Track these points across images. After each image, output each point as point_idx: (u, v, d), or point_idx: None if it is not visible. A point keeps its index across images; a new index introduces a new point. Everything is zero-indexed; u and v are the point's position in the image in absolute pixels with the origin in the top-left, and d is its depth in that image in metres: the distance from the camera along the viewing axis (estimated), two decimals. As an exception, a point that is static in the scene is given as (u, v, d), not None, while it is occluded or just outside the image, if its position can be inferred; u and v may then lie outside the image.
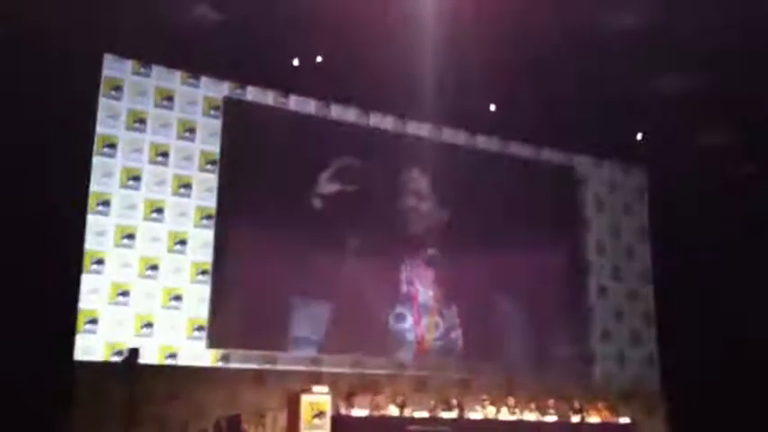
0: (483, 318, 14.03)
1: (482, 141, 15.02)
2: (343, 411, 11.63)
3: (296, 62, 12.42)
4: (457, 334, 13.83)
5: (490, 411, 12.74)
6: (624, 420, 13.64)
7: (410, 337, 13.47)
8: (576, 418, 13.27)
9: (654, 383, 15.33)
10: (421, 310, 13.66)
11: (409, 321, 13.53)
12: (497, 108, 13.87)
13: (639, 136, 14.81)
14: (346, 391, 11.96)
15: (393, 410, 12.07)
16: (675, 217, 15.11)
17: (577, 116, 13.72)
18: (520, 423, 12.77)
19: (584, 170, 16.01)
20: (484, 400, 12.88)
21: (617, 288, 15.68)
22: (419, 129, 14.42)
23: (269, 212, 12.39)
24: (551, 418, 13.07)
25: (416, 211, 14.09)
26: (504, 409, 12.87)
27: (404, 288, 13.65)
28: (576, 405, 13.44)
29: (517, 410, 12.93)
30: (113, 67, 11.96)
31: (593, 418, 13.37)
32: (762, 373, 13.65)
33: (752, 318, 14.04)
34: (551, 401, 13.32)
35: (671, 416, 14.77)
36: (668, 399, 14.97)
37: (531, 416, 12.99)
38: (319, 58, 12.36)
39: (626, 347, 15.40)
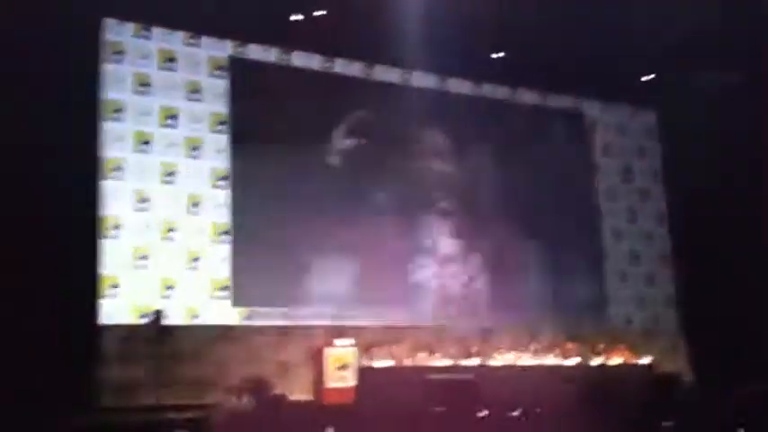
0: (502, 267, 14.06)
1: (488, 90, 14.86)
2: (365, 363, 11.69)
3: (296, 17, 12.26)
4: (478, 283, 13.89)
5: (510, 358, 12.81)
6: (645, 360, 13.72)
7: (432, 287, 13.49)
8: (597, 361, 13.34)
9: (672, 323, 15.38)
10: (442, 261, 13.68)
11: (431, 272, 13.54)
12: (503, 55, 13.72)
13: (647, 78, 14.69)
14: (366, 343, 12.03)
15: (414, 360, 12.15)
16: (687, 157, 15.05)
17: (584, 60, 13.60)
18: (541, 367, 12.83)
19: (592, 114, 15.91)
20: (503, 347, 12.94)
21: (632, 231, 15.65)
22: (425, 80, 14.25)
23: (284, 170, 12.35)
24: (573, 362, 13.13)
25: (432, 162, 14.03)
26: (524, 356, 12.93)
27: (424, 240, 13.66)
28: (597, 348, 13.50)
29: (539, 356, 12.99)
30: (114, 31, 11.81)
31: (615, 360, 13.44)
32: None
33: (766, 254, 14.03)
34: (572, 345, 13.37)
35: (691, 354, 14.84)
36: (687, 337, 15.02)
37: (552, 360, 13.05)
38: (319, 12, 12.20)
39: (643, 289, 15.45)
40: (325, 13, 12.34)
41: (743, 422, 9.50)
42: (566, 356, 13.20)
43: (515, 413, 11.21)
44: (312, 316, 12.29)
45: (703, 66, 13.99)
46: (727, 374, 12.62)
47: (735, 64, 13.76)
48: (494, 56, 13.90)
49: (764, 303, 13.76)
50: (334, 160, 13.10)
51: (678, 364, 14.64)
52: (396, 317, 12.93)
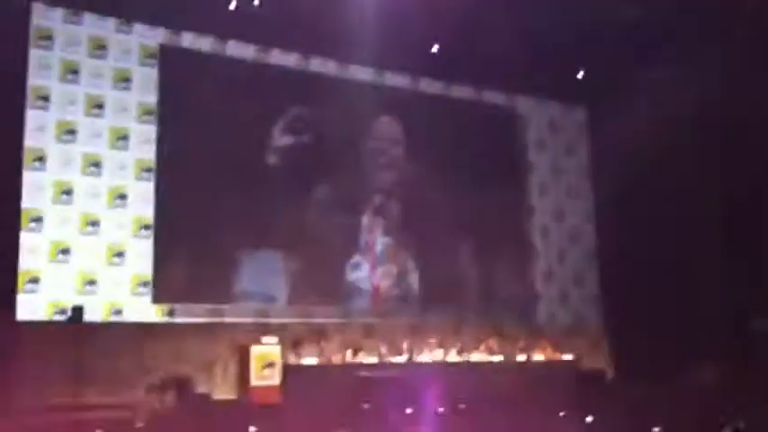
0: (434, 263, 14.14)
1: (425, 84, 14.86)
2: (292, 361, 11.69)
3: (232, 5, 12.07)
4: (408, 280, 13.97)
5: (438, 354, 12.95)
6: (567, 357, 14.03)
7: (362, 284, 13.52)
8: (521, 357, 13.59)
9: (596, 321, 15.73)
10: (372, 257, 13.69)
11: (365, 270, 13.55)
12: (439, 49, 13.72)
13: (580, 74, 14.85)
14: (292, 340, 12.00)
15: (342, 358, 12.21)
16: (616, 154, 15.27)
17: (517, 56, 13.64)
18: (467, 364, 13.03)
19: (525, 111, 16.05)
20: (431, 342, 13.08)
21: (560, 228, 15.91)
22: (362, 73, 14.18)
23: (214, 164, 12.17)
24: (497, 358, 13.36)
25: (366, 159, 14.00)
26: (452, 351, 13.10)
27: (355, 236, 13.65)
28: (521, 344, 13.75)
29: (465, 352, 13.17)
30: (43, 16, 11.45)
31: (538, 356, 13.72)
32: (700, 306, 14.07)
33: (693, 252, 14.36)
34: (495, 342, 13.59)
35: (613, 350, 15.21)
36: (610, 334, 15.39)
37: (478, 356, 13.26)
38: (256, 1, 12.04)
39: (569, 286, 15.73)
40: (261, 2, 12.11)
41: (663, 418, 9.76)
42: (491, 353, 13.43)
43: (441, 409, 11.39)
44: (237, 313, 12.19)
45: (633, 61, 14.12)
46: (647, 371, 12.99)
47: (664, 59, 13.94)
48: (431, 50, 13.82)
49: (687, 301, 14.12)
50: (270, 157, 12.95)
51: (600, 361, 14.97)
52: (324, 314, 12.92)
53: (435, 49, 13.74)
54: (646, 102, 14.22)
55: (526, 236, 15.52)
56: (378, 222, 13.84)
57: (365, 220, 13.75)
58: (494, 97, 15.65)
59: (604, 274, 15.94)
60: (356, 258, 13.52)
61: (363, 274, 13.53)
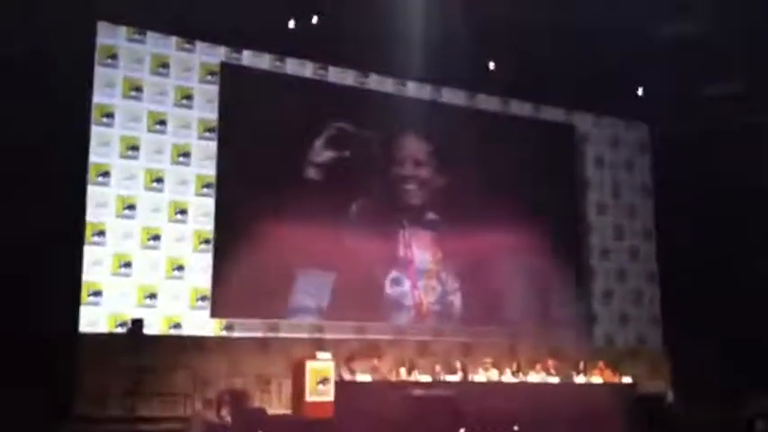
0: (483, 281, 13.99)
1: (482, 101, 14.82)
2: (346, 377, 11.69)
3: (292, 24, 12.22)
4: (456, 297, 13.84)
5: (493, 374, 12.81)
6: (627, 380, 13.74)
7: (408, 301, 13.46)
8: (579, 379, 13.36)
9: (656, 343, 15.39)
10: (418, 274, 13.63)
11: (407, 286, 13.50)
12: (496, 66, 13.67)
13: (640, 91, 14.65)
14: (346, 356, 12.03)
15: (396, 375, 12.17)
16: (678, 172, 15.02)
17: (577, 73, 13.55)
18: (523, 385, 12.84)
19: (584, 128, 15.87)
20: (486, 361, 12.96)
21: (619, 247, 15.63)
22: (418, 90, 14.23)
23: (268, 180, 12.31)
24: (554, 379, 13.15)
25: (414, 175, 13.96)
26: (507, 371, 12.95)
27: (401, 253, 13.60)
28: (579, 366, 13.52)
29: (520, 373, 13.00)
30: (108, 35, 11.76)
31: (596, 379, 13.47)
32: (763, 329, 13.69)
33: (755, 273, 14.01)
34: (553, 363, 13.39)
35: (672, 373, 14.87)
36: (670, 356, 15.05)
37: (534, 377, 13.07)
38: (315, 20, 12.15)
39: (628, 307, 15.43)
40: (320, 21, 12.24)
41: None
42: (547, 374, 13.23)
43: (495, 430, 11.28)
44: (292, 328, 12.27)
45: (697, 79, 13.89)
46: (708, 395, 12.68)
47: (729, 77, 13.69)
48: (488, 67, 13.78)
49: (751, 323, 13.75)
50: (313, 172, 13.02)
51: (660, 384, 14.63)
52: (378, 330, 12.94)
53: (492, 66, 13.69)
54: (707, 119, 13.99)
55: (584, 254, 15.27)
56: (422, 239, 13.78)
57: (408, 236, 13.68)
58: (552, 113, 15.51)
59: (665, 294, 15.62)
60: (397, 274, 13.46)
61: (405, 290, 13.45)
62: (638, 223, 15.99)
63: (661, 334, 15.49)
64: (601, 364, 13.78)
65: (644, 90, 14.49)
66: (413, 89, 14.21)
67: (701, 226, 14.47)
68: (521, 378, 12.97)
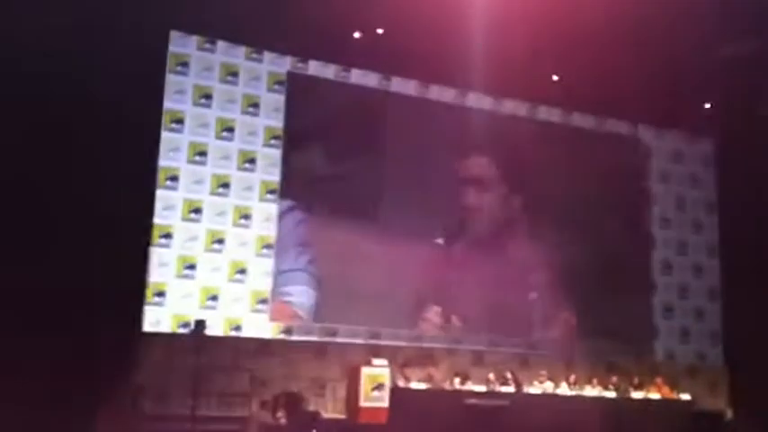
0: (547, 293, 13.95)
1: (544, 112, 14.80)
2: (400, 384, 11.84)
3: (357, 35, 12.44)
4: (521, 309, 13.82)
5: (548, 386, 12.80)
6: (685, 397, 13.58)
7: (474, 312, 13.41)
8: (636, 394, 13.25)
9: (717, 360, 15.14)
10: (485, 285, 13.53)
11: (472, 296, 13.44)
12: (559, 78, 13.65)
13: (706, 105, 14.45)
14: (401, 363, 12.16)
15: (450, 383, 12.27)
16: (744, 189, 14.74)
17: (641, 85, 13.43)
18: (579, 398, 12.79)
19: (648, 140, 15.70)
20: (542, 373, 12.95)
21: (682, 263, 15.42)
22: (480, 101, 14.28)
23: (331, 188, 12.57)
24: (611, 394, 13.07)
25: (477, 190, 13.95)
26: (563, 385, 12.91)
27: (466, 263, 13.56)
28: (637, 381, 13.41)
29: (577, 386, 12.96)
30: (179, 44, 12.16)
31: (653, 395, 13.34)
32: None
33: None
34: (613, 378, 13.30)
35: (732, 391, 14.61)
36: (731, 374, 14.78)
37: (591, 391, 13.00)
38: (380, 31, 12.35)
39: (690, 323, 15.21)
40: (384, 32, 12.43)
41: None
42: (604, 388, 13.16)
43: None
44: (349, 333, 12.44)
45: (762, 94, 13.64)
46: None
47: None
48: (553, 78, 13.77)
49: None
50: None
51: (719, 402, 14.40)
52: (433, 339, 13.01)
53: (555, 78, 13.68)
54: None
55: (646, 269, 15.10)
56: (490, 249, 13.81)
57: (476, 246, 13.73)
58: (616, 126, 15.39)
59: (727, 311, 15.33)
60: (464, 283, 13.45)
61: (471, 300, 13.43)
62: (702, 238, 15.73)
63: (722, 351, 15.20)
64: (659, 379, 13.65)
65: (711, 105, 14.33)
66: (473, 100, 14.25)
67: (766, 243, 14.19)
68: (576, 392, 12.93)
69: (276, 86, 12.81)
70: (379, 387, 11.51)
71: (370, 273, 12.54)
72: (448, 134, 13.82)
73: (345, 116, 13.01)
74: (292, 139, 12.65)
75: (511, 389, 12.46)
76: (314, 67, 13.17)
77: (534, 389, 12.74)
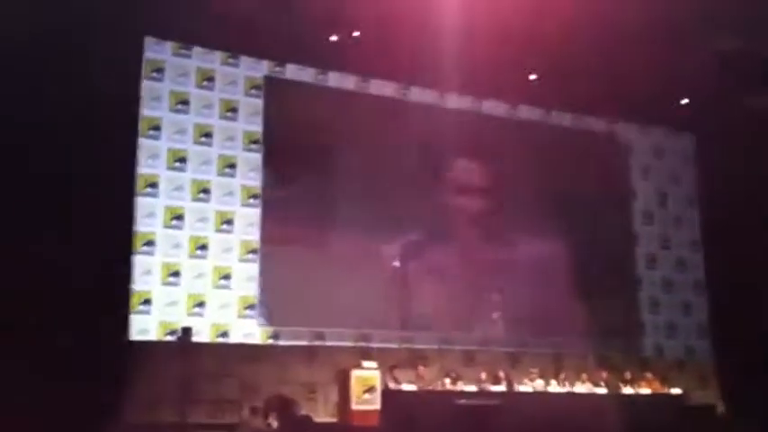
0: (529, 292, 13.83)
1: (524, 111, 14.79)
2: (392, 386, 11.68)
3: (334, 38, 12.36)
4: (508, 308, 13.72)
5: (539, 384, 12.70)
6: (675, 391, 13.53)
7: (462, 311, 13.38)
8: (627, 390, 13.18)
9: (706, 354, 15.14)
10: (472, 284, 13.52)
11: (459, 295, 13.40)
12: (537, 77, 13.65)
13: (685, 101, 14.53)
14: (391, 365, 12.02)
15: (440, 385, 12.13)
16: (724, 183, 14.82)
17: (620, 82, 13.47)
18: (570, 395, 12.70)
19: (628, 137, 15.76)
20: (532, 372, 12.85)
21: (666, 257, 15.44)
22: (458, 102, 14.24)
23: (316, 189, 12.48)
24: (601, 390, 13.00)
25: (461, 190, 13.92)
26: (553, 382, 12.83)
27: (453, 261, 13.51)
28: (626, 376, 13.35)
29: (567, 383, 12.87)
30: (154, 50, 12.01)
31: (643, 390, 13.29)
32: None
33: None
34: (603, 374, 13.24)
35: (723, 384, 14.59)
36: (720, 368, 14.78)
37: (581, 388, 12.93)
38: (357, 33, 12.28)
39: (677, 317, 15.21)
40: (360, 34, 12.37)
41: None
42: (594, 384, 13.08)
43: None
44: (338, 336, 12.29)
45: (744, 88, 13.73)
46: (761, 407, 12.42)
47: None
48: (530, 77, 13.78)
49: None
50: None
51: (710, 396, 14.38)
52: (422, 339, 12.89)
53: (533, 77, 13.69)
54: (754, 129, 13.79)
55: (630, 264, 15.10)
56: (477, 247, 13.72)
57: (455, 249, 13.63)
58: (594, 124, 15.42)
59: (714, 304, 15.37)
60: (451, 282, 13.39)
61: (458, 299, 13.37)
62: (685, 233, 15.79)
63: (710, 345, 15.20)
64: (648, 375, 13.61)
65: (690, 100, 14.42)
66: (452, 101, 14.20)
67: (749, 236, 14.24)
68: (567, 388, 12.84)
69: (253, 91, 12.68)
70: (371, 389, 11.34)
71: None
72: (425, 137, 13.69)
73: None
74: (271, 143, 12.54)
75: (502, 388, 12.34)
76: (291, 71, 13.06)
77: (525, 387, 12.62)
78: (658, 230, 15.57)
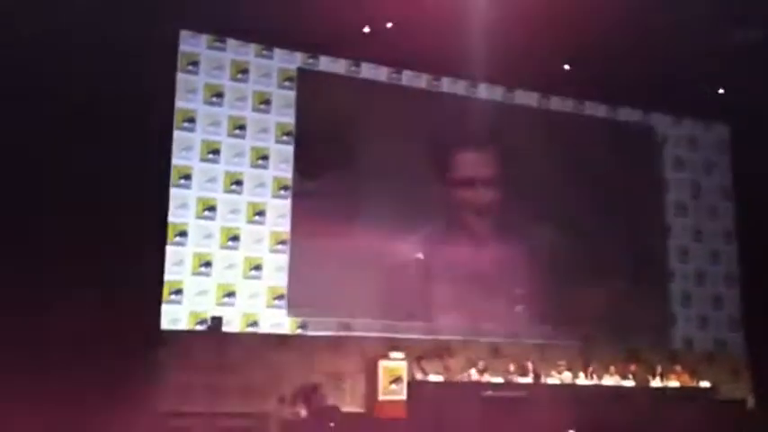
0: (563, 283, 13.83)
1: (556, 102, 14.73)
2: (418, 377, 11.82)
3: (366, 29, 12.41)
4: (538, 299, 13.69)
5: (567, 377, 12.74)
6: (705, 384, 13.48)
7: (490, 303, 13.34)
8: (656, 383, 13.17)
9: (737, 347, 15.02)
10: (501, 276, 13.49)
11: (488, 287, 13.36)
12: (571, 67, 13.58)
13: (720, 90, 14.33)
14: (418, 355, 12.14)
15: (468, 375, 12.24)
16: (758, 174, 14.61)
17: (654, 72, 13.34)
18: (598, 388, 12.72)
19: (662, 128, 15.60)
20: (560, 364, 12.88)
21: (699, 249, 15.33)
22: (492, 92, 14.23)
23: (346, 181, 12.63)
24: (630, 383, 13.00)
25: (486, 181, 13.87)
26: (581, 375, 12.85)
27: (482, 254, 13.48)
28: (656, 369, 13.32)
29: (595, 376, 12.89)
30: (190, 43, 12.20)
31: (673, 383, 13.26)
32: None
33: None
34: (632, 366, 13.23)
35: (754, 378, 14.49)
36: (752, 361, 14.67)
37: (609, 380, 12.93)
38: (389, 25, 12.33)
39: (708, 310, 15.11)
40: (393, 26, 12.40)
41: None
42: (623, 377, 13.09)
43: (569, 432, 11.23)
44: (366, 327, 12.43)
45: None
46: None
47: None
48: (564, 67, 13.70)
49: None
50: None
51: (741, 389, 14.29)
52: (450, 331, 12.98)
53: (567, 67, 13.61)
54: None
55: (662, 256, 15.01)
56: (506, 240, 13.72)
57: (481, 241, 13.63)
58: (629, 114, 15.31)
59: (746, 297, 15.20)
60: (479, 275, 13.35)
61: (486, 291, 13.35)
62: (719, 224, 15.63)
63: (742, 338, 15.09)
64: (678, 367, 13.57)
65: (725, 91, 14.22)
66: (485, 92, 14.21)
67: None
68: (595, 381, 12.86)
69: (286, 83, 12.83)
70: (397, 380, 11.49)
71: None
72: (454, 127, 13.70)
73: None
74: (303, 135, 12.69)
75: (529, 380, 12.40)
76: (324, 63, 13.17)
77: (552, 379, 12.67)
78: (691, 222, 15.41)
